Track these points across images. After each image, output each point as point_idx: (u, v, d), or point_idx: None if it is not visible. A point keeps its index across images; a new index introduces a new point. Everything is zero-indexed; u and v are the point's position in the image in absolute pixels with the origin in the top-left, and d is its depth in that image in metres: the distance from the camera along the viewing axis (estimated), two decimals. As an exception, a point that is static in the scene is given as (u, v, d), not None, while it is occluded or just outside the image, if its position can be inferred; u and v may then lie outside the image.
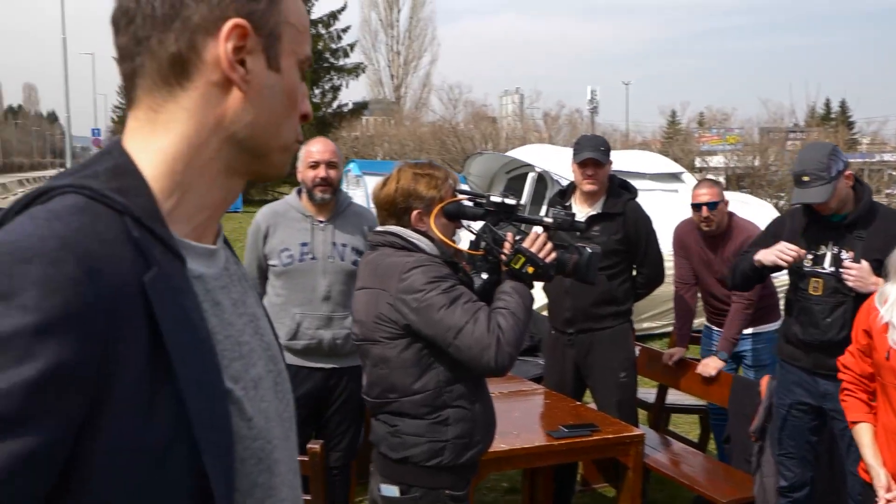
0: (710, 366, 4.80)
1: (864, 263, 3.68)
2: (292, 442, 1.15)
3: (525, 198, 2.95)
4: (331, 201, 3.94)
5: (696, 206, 4.98)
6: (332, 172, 3.90)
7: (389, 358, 2.81)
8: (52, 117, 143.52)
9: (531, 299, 2.84)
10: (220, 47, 1.00)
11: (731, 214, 5.07)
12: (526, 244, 2.79)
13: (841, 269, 3.73)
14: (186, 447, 0.91)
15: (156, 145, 1.01)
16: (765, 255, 3.94)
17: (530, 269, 2.78)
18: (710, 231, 4.98)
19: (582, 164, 4.58)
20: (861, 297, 3.60)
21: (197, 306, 0.98)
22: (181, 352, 0.91)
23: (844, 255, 3.80)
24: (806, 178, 3.79)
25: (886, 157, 27.05)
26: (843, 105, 48.24)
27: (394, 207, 2.91)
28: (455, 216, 2.90)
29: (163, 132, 1.02)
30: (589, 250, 2.89)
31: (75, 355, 0.83)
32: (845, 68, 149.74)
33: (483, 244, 2.87)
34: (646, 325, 8.87)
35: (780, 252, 3.87)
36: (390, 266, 2.82)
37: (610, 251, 4.45)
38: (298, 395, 3.85)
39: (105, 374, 0.85)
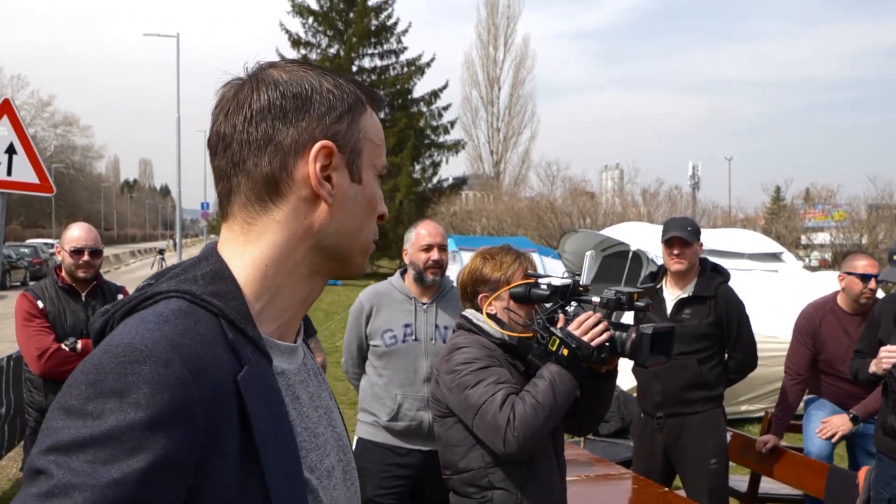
0: (836, 423, 4.62)
1: None
2: None
3: (586, 277, 2.85)
4: (439, 282, 4.05)
5: (865, 278, 4.81)
6: (444, 255, 4.03)
7: (441, 436, 2.91)
8: (165, 191, 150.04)
9: (569, 383, 2.72)
10: (310, 167, 1.11)
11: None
12: (571, 326, 2.71)
13: None
14: None
15: (249, 253, 1.12)
16: (874, 367, 3.87)
17: (564, 351, 2.70)
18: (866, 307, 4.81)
19: (668, 242, 4.60)
20: None
21: (282, 402, 1.08)
22: (268, 443, 1.01)
23: None
24: (894, 258, 3.75)
25: None
26: (958, 181, 46.45)
27: (465, 291, 3.00)
28: (523, 299, 2.86)
29: (255, 242, 1.13)
30: (647, 331, 2.69)
31: (181, 448, 0.93)
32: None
33: (533, 327, 2.82)
34: (743, 408, 8.64)
35: (882, 361, 3.81)
36: (446, 347, 2.95)
37: (700, 335, 4.45)
38: (397, 474, 3.94)
39: (205, 463, 0.96)
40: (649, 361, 2.71)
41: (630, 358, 2.76)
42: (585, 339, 2.67)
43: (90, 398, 0.92)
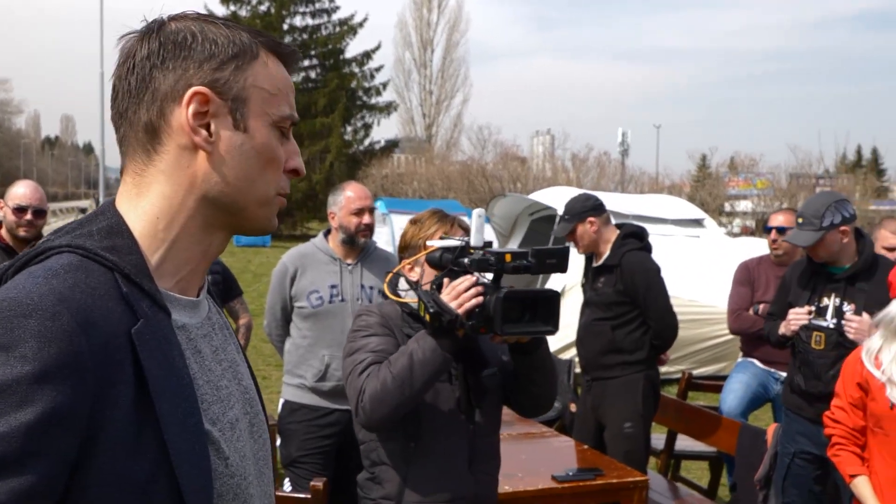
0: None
1: (866, 316, 3.75)
2: (267, 478, 1.25)
3: (475, 238, 2.78)
4: (364, 245, 4.09)
5: (767, 229, 5.38)
6: (373, 218, 4.08)
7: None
8: (88, 148, 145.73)
9: (431, 352, 2.47)
10: (182, 112, 1.10)
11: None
12: (444, 290, 2.49)
13: (843, 322, 3.80)
14: (168, 483, 1.01)
15: (141, 206, 1.13)
16: (783, 329, 4.06)
17: (427, 317, 2.46)
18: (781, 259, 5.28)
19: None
20: None
21: (180, 354, 1.08)
22: (164, 396, 1.02)
23: (846, 307, 3.87)
24: (801, 221, 3.95)
25: (917, 205, 26.84)
26: (874, 153, 48.00)
27: (400, 257, 2.88)
28: (435, 265, 2.61)
29: (145, 193, 1.13)
30: (500, 294, 2.40)
31: (70, 400, 0.93)
32: (877, 116, 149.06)
33: (417, 293, 2.59)
34: (663, 369, 8.88)
35: (790, 323, 4.00)
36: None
37: (612, 302, 4.66)
38: (323, 434, 3.97)
39: (97, 415, 0.96)
40: (505, 330, 2.43)
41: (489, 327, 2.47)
42: (453, 304, 2.43)
43: None
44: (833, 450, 3.36)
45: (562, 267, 2.49)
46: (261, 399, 1.30)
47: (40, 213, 4.31)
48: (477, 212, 2.52)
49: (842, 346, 3.81)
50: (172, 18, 1.14)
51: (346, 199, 4.03)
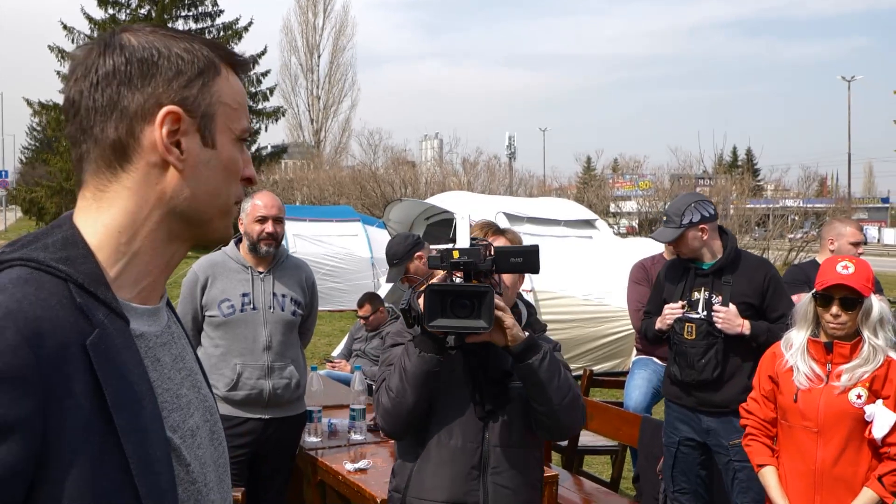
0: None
1: (732, 307, 4.06)
2: (226, 485, 1.26)
3: (459, 242, 2.85)
4: (272, 253, 4.04)
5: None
6: (279, 227, 4.02)
7: None
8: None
9: (414, 356, 2.59)
10: (156, 133, 1.10)
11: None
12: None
13: (712, 313, 4.05)
14: (132, 491, 1.01)
15: (101, 221, 1.12)
16: (659, 324, 4.29)
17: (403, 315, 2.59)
18: None
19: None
20: (730, 339, 3.93)
21: (139, 363, 1.08)
22: (122, 405, 1.02)
23: (714, 299, 4.12)
24: (665, 219, 4.23)
25: (789, 203, 28.18)
26: (748, 153, 50.04)
27: None
28: (433, 267, 2.70)
29: (107, 209, 1.12)
30: (433, 288, 2.49)
31: (13, 413, 0.93)
32: (752, 119, 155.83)
33: None
34: (561, 368, 9.06)
35: (665, 318, 4.24)
36: None
37: None
38: (237, 444, 3.90)
39: (51, 428, 0.96)
40: (430, 324, 2.49)
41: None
42: (420, 301, 2.54)
43: None
44: (745, 440, 3.53)
45: (531, 267, 2.57)
46: (217, 406, 1.31)
47: None
48: (460, 215, 2.59)
49: (711, 335, 4.10)
50: (127, 31, 1.14)
51: (252, 206, 4.00)
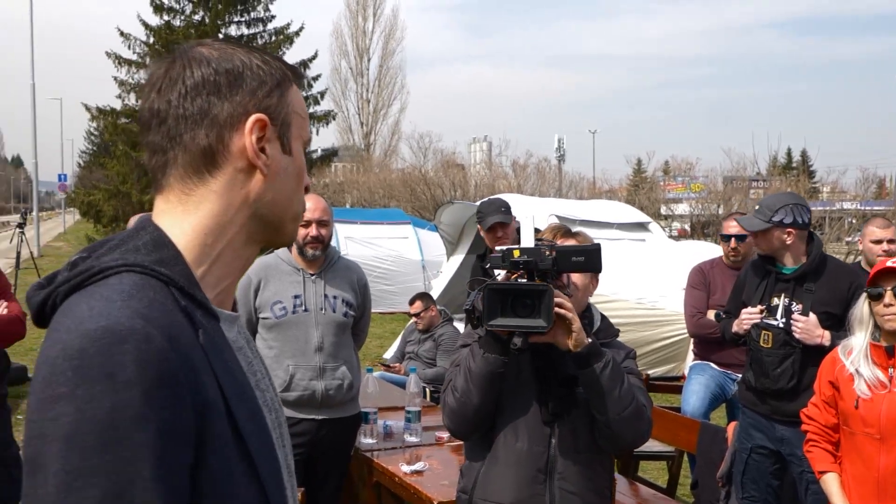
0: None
1: (812, 316, 3.91)
2: (292, 487, 1.29)
3: (523, 242, 2.93)
4: (321, 256, 4.06)
5: (725, 237, 5.50)
6: (324, 231, 4.03)
7: None
8: (18, 162, 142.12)
9: (479, 357, 2.60)
10: (246, 139, 1.16)
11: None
12: None
13: (790, 321, 3.93)
14: (255, 475, 1.08)
15: (188, 222, 1.16)
16: (736, 327, 4.19)
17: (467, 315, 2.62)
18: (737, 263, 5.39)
19: (491, 229, 4.93)
20: (809, 349, 3.81)
21: (234, 358, 1.15)
22: (234, 396, 1.08)
23: (794, 307, 4.00)
24: (757, 208, 4.16)
25: (846, 205, 27.61)
26: (804, 155, 49.19)
27: None
28: (496, 268, 2.74)
29: (194, 211, 1.17)
30: (491, 287, 2.50)
31: (178, 413, 0.98)
32: (807, 119, 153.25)
33: None
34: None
35: (742, 322, 4.14)
36: None
37: None
38: (292, 444, 3.93)
39: (201, 420, 1.01)
40: (489, 323, 2.49)
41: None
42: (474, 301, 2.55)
43: (79, 384, 0.94)
44: (807, 446, 3.45)
45: (594, 265, 2.56)
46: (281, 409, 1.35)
47: None
48: (524, 216, 2.60)
49: (789, 344, 3.95)
50: (201, 45, 1.20)
51: None
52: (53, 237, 45.18)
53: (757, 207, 4.17)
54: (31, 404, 0.97)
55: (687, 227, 29.79)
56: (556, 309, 2.46)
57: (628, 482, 5.14)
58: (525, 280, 2.52)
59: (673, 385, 6.00)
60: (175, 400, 0.98)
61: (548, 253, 2.51)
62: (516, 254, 2.51)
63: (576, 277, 2.74)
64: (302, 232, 3.99)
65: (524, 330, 2.48)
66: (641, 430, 2.67)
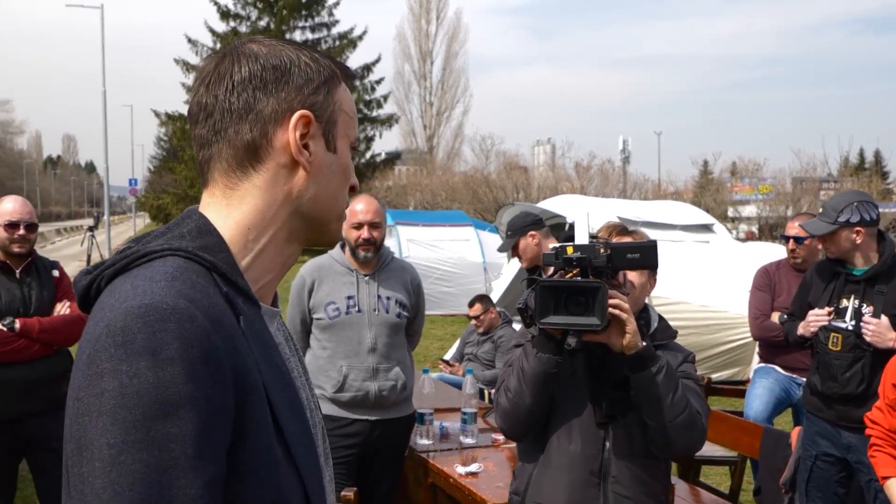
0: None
1: (884, 319, 3.76)
2: (331, 480, 1.29)
3: (577, 239, 2.89)
4: (374, 257, 4.07)
5: (786, 238, 5.45)
6: (376, 233, 4.03)
7: None
8: (90, 167, 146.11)
9: (532, 357, 2.55)
10: (290, 135, 1.17)
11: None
12: None
13: (861, 324, 3.79)
14: (291, 461, 1.09)
15: (232, 216, 1.18)
16: (801, 330, 4.07)
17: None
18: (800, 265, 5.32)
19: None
20: (879, 352, 3.67)
21: (274, 346, 1.15)
22: (272, 383, 1.08)
23: (865, 309, 3.86)
24: (821, 211, 4.01)
25: (922, 207, 26.78)
26: (877, 155, 47.87)
27: None
28: (548, 265, 2.67)
29: (238, 205, 1.18)
30: (543, 284, 2.44)
31: (220, 393, 0.99)
32: (879, 119, 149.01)
33: None
34: (677, 375, 8.83)
35: (808, 325, 4.02)
36: None
37: None
38: (344, 444, 3.95)
39: (243, 402, 1.02)
40: (541, 321, 2.44)
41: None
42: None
43: (123, 359, 0.95)
44: (871, 451, 3.34)
45: (649, 262, 2.50)
46: (319, 409, 1.35)
47: (32, 227, 4.26)
48: (579, 213, 2.57)
49: (859, 347, 3.81)
50: (253, 42, 1.20)
51: (350, 212, 4.03)
52: (124, 240, 46.24)
53: (821, 210, 4.04)
54: (76, 382, 0.98)
55: (754, 229, 29.21)
56: (611, 309, 2.41)
57: (689, 487, 5.04)
58: (579, 278, 2.47)
59: (736, 389, 5.87)
60: (217, 379, 0.99)
61: (602, 250, 2.46)
62: (570, 250, 2.46)
63: (633, 276, 2.68)
64: (354, 234, 4.00)
65: (577, 328, 2.42)
66: (695, 437, 2.59)
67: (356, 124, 1.28)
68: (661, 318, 2.81)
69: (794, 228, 5.25)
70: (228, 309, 1.07)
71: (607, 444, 2.62)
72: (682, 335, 9.03)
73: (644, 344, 2.49)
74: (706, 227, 10.82)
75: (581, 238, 2.58)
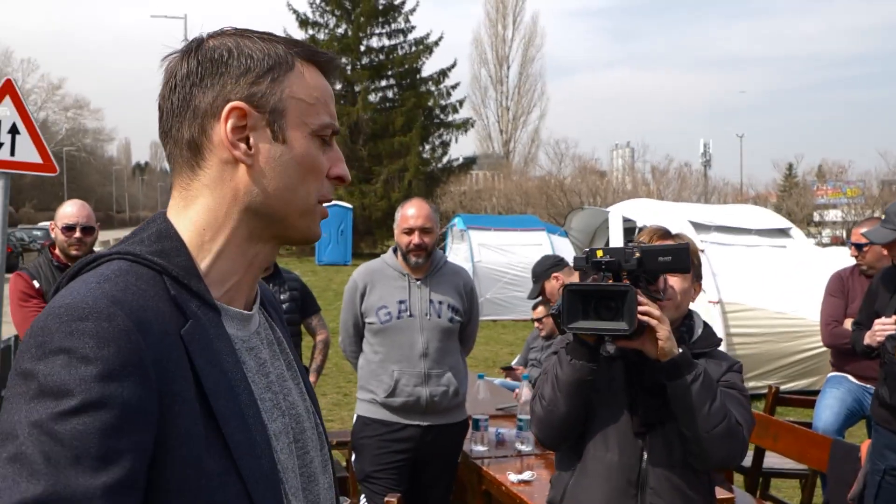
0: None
1: None
2: (316, 495, 1.23)
3: (611, 242, 2.81)
4: (426, 262, 4.04)
5: (851, 244, 5.31)
6: (427, 238, 3.99)
7: None
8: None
9: (566, 364, 2.51)
10: (221, 128, 1.13)
11: None
12: None
13: None
14: (236, 474, 1.04)
15: (188, 217, 1.15)
16: (868, 339, 3.92)
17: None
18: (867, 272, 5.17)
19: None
20: None
21: (231, 351, 1.11)
22: (218, 392, 1.05)
23: None
24: (883, 218, 3.85)
25: None
26: (972, 156, 46.03)
27: None
28: (579, 269, 2.64)
29: (192, 206, 1.15)
30: (570, 287, 2.39)
31: (137, 395, 0.96)
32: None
33: None
34: (751, 384, 8.61)
35: (875, 334, 3.86)
36: None
37: None
38: (395, 449, 3.94)
39: (165, 411, 0.99)
40: (568, 326, 2.38)
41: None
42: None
43: (40, 358, 0.95)
44: None
45: (681, 266, 2.40)
46: (318, 418, 1.31)
47: (89, 230, 4.37)
48: (612, 213, 2.51)
49: None
50: (211, 36, 1.17)
51: (401, 217, 4.01)
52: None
53: (883, 218, 3.87)
54: (8, 380, 1.00)
55: (839, 233, 28.35)
56: (640, 316, 2.33)
57: (755, 501, 4.87)
58: (610, 282, 2.40)
59: (807, 399, 5.66)
60: (135, 381, 0.96)
61: (634, 254, 2.38)
62: (599, 254, 2.40)
63: (674, 281, 2.59)
64: (405, 239, 3.97)
65: (605, 333, 2.36)
66: (734, 449, 2.48)
67: (323, 110, 1.19)
68: (705, 326, 2.71)
69: (858, 235, 5.07)
70: (174, 313, 1.04)
71: (645, 453, 2.54)
72: (757, 342, 8.93)
73: (679, 351, 2.40)
74: (783, 232, 10.54)
75: (615, 240, 2.50)
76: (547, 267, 5.08)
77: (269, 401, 1.16)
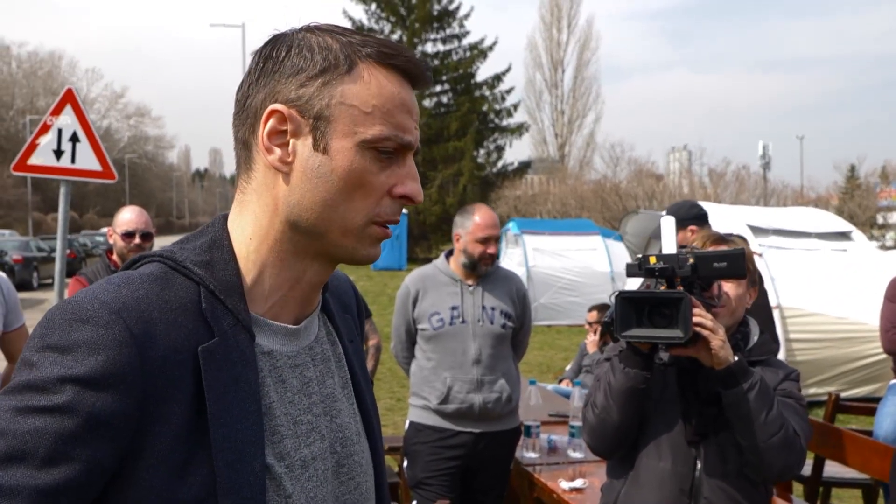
0: None
1: None
2: None
3: (664, 248, 2.76)
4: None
5: None
6: (496, 247, 4.02)
7: None
8: (234, 179, 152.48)
9: (619, 372, 2.48)
10: (259, 130, 1.07)
11: None
12: None
13: None
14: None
15: (241, 224, 1.10)
16: None
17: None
18: None
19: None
20: None
21: (252, 380, 1.03)
22: (221, 420, 0.99)
23: None
24: None
25: None
26: None
27: None
28: (632, 276, 2.61)
29: (244, 212, 1.11)
30: (624, 295, 2.36)
31: (110, 409, 0.94)
32: None
33: None
34: (811, 391, 8.43)
35: None
36: None
37: None
38: (447, 456, 3.95)
39: (143, 429, 0.96)
40: (622, 335, 2.35)
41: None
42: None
43: (38, 350, 0.96)
44: None
45: (736, 272, 2.34)
46: (372, 439, 1.24)
47: (147, 237, 4.43)
48: (665, 218, 2.48)
49: None
50: (297, 31, 1.10)
51: (474, 225, 3.96)
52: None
53: None
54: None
55: (905, 236, 27.61)
56: (694, 327, 2.29)
57: (815, 511, 4.77)
58: (664, 289, 2.36)
59: (869, 407, 5.51)
60: (112, 395, 0.94)
61: (688, 260, 2.34)
62: (652, 260, 2.37)
63: (728, 288, 2.54)
64: (479, 248, 3.94)
65: (659, 341, 2.33)
66: (791, 460, 2.43)
67: (384, 120, 1.06)
68: (762, 333, 2.66)
69: None
70: (201, 328, 1.00)
71: (699, 462, 2.50)
72: (818, 348, 8.72)
73: (735, 359, 2.36)
74: (844, 235, 10.30)
75: (668, 248, 2.45)
76: (690, 217, 4.71)
77: (306, 423, 1.10)
